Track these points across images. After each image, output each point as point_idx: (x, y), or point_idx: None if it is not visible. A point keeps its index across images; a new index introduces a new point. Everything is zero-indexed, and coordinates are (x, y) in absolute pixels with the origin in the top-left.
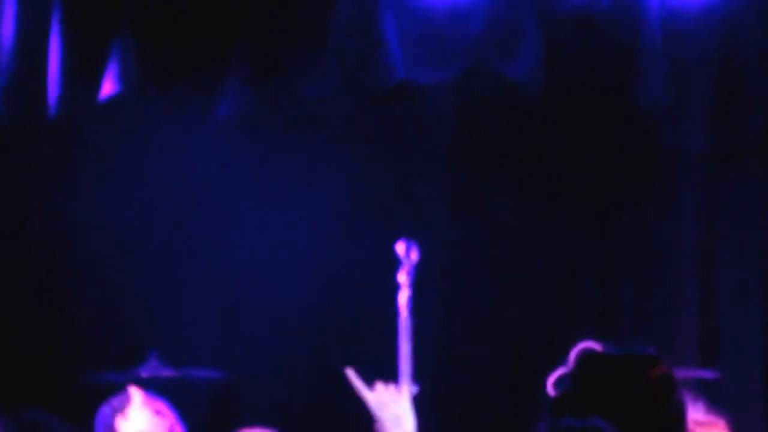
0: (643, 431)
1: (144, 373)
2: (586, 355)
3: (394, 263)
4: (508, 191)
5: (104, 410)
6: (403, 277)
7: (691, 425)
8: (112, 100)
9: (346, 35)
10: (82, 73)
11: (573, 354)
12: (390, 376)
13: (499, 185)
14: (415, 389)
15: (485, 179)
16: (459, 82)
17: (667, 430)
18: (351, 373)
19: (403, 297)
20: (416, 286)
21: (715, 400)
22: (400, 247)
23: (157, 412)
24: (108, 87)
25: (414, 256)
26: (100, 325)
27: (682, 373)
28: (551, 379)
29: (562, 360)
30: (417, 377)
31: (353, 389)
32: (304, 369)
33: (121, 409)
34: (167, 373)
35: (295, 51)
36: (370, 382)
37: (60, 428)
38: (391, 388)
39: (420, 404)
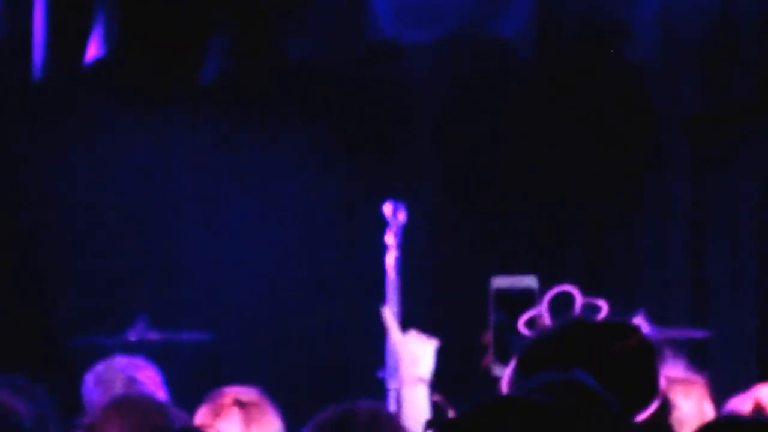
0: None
1: (132, 337)
2: (564, 318)
3: (382, 224)
4: (498, 151)
5: (88, 379)
6: (390, 239)
7: (669, 383)
8: (97, 63)
9: None
10: (66, 37)
11: (547, 297)
12: (378, 337)
13: (488, 146)
14: None
15: (474, 139)
16: (449, 41)
17: (636, 398)
18: (386, 312)
19: (391, 258)
20: (404, 247)
21: (706, 360)
22: (388, 208)
23: (138, 381)
24: (92, 51)
25: (401, 217)
26: (89, 288)
27: (673, 333)
28: (523, 319)
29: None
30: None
31: (383, 326)
32: (292, 331)
33: (103, 378)
34: (155, 336)
35: (280, 9)
36: (357, 343)
37: (33, 390)
38: (420, 333)
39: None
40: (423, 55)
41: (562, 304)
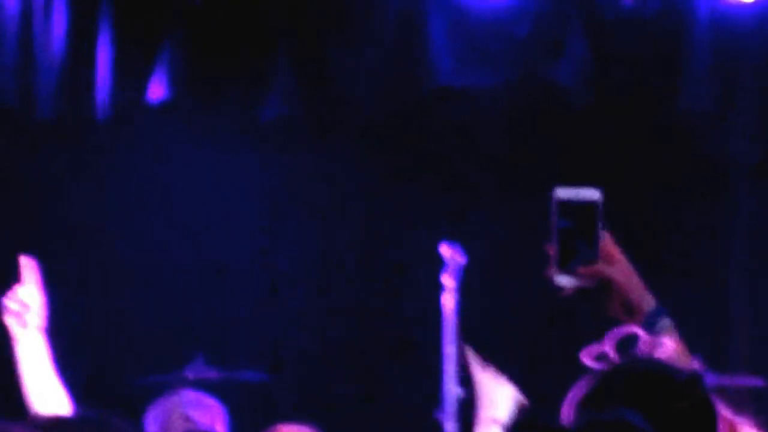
0: None
1: (190, 375)
2: (629, 360)
3: (439, 265)
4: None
5: (150, 415)
6: (447, 280)
7: (731, 419)
8: (160, 103)
9: (392, 36)
10: (130, 77)
11: (612, 337)
12: (434, 378)
13: (543, 189)
14: (460, 392)
15: (530, 183)
16: (505, 86)
17: None
18: (470, 351)
19: (448, 299)
20: (462, 288)
21: (765, 408)
22: (445, 250)
23: (197, 417)
24: (156, 91)
25: (458, 258)
26: (148, 327)
27: (731, 380)
28: (589, 353)
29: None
30: (462, 380)
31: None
32: (347, 370)
33: (165, 414)
34: (212, 374)
35: (340, 53)
36: (413, 383)
37: (123, 428)
38: (501, 377)
39: (465, 406)
40: (481, 99)
41: (627, 342)
